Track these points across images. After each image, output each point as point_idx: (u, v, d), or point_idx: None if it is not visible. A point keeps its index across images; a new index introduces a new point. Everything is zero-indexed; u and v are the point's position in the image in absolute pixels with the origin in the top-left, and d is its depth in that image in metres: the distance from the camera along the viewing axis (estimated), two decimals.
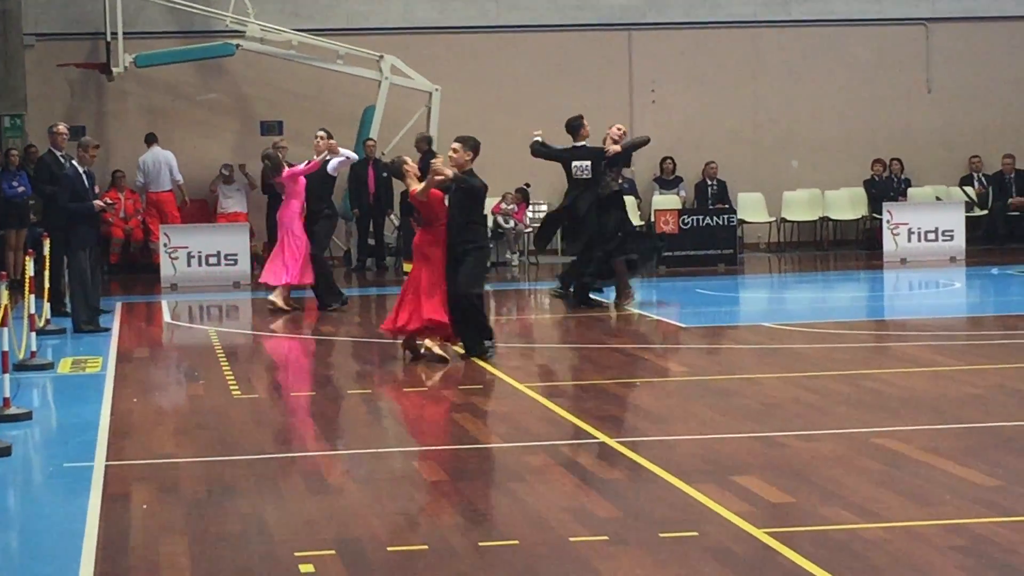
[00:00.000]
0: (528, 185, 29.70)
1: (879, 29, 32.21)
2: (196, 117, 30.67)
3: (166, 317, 23.33)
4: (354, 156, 23.84)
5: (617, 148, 22.26)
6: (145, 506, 10.70)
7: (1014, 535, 9.42)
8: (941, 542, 9.32)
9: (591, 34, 31.61)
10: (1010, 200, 31.62)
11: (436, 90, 29.32)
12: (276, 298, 22.44)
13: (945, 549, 9.16)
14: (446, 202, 17.03)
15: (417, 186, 16.93)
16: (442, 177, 16.71)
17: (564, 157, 22.44)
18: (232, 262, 27.39)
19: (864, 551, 9.18)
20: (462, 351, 17.31)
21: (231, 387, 15.95)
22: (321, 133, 23.01)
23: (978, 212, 31.37)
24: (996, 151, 31.51)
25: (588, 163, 22.13)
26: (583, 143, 22.33)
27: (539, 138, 22.75)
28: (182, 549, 9.55)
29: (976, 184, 31.72)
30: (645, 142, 23.50)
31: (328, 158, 22.54)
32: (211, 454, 12.63)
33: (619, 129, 22.73)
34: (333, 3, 30.90)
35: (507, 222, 29.63)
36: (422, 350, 17.09)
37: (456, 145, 17.01)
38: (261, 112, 30.80)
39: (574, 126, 22.57)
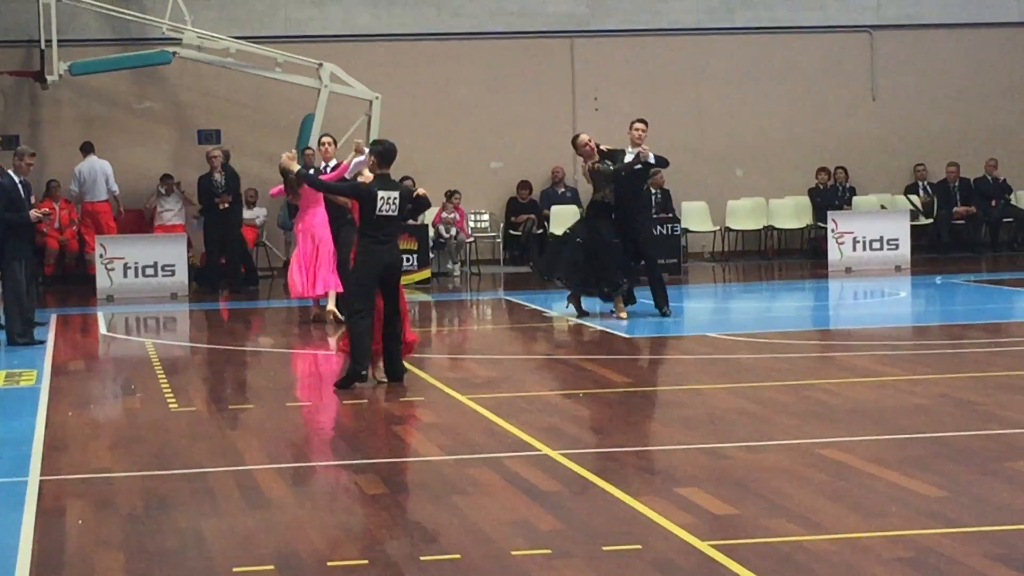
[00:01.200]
0: (457, 192, 29.72)
1: (823, 36, 32.36)
2: (133, 126, 30.55)
3: (102, 329, 23.23)
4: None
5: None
6: (80, 521, 10.65)
7: (959, 546, 9.47)
8: (886, 553, 9.36)
9: (533, 42, 31.64)
10: (955, 209, 31.82)
11: (376, 98, 29.30)
12: (332, 307, 21.78)
13: (890, 560, 9.20)
14: None
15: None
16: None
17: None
18: (169, 273, 27.30)
19: (808, 563, 9.21)
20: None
21: (168, 400, 15.90)
22: (327, 139, 23.10)
23: (923, 221, 31.54)
24: (941, 159, 31.70)
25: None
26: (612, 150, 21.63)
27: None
28: (118, 565, 9.51)
29: (921, 193, 31.91)
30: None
31: (355, 159, 20.86)
32: (148, 468, 12.59)
33: (637, 130, 21.90)
34: (271, 10, 30.84)
35: (448, 231, 29.61)
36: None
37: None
38: (199, 121, 30.70)
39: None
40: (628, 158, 21.44)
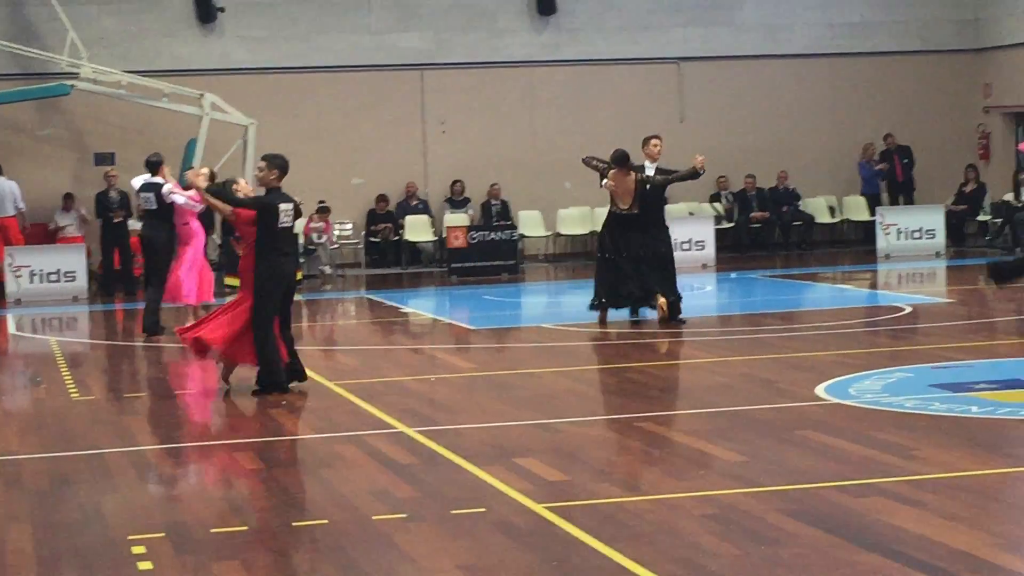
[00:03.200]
0: (324, 202, 29.64)
1: (638, 67, 32.54)
2: (36, 150, 30.12)
3: (11, 329, 22.87)
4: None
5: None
6: None
7: (757, 503, 9.57)
8: (695, 511, 9.44)
9: (388, 73, 31.56)
10: (752, 214, 32.15)
11: (252, 124, 29.08)
12: None
13: (699, 517, 9.28)
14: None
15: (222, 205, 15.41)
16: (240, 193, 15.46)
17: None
18: (71, 279, 27.02)
19: (629, 521, 9.27)
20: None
21: (70, 390, 15.69)
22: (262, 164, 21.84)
23: (725, 225, 31.81)
24: (740, 172, 31.98)
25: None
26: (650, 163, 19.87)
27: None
28: (26, 536, 9.38)
29: (723, 200, 32.19)
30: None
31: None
32: (52, 450, 12.43)
33: (655, 146, 20.22)
34: (158, 47, 30.55)
35: (319, 238, 29.49)
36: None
37: (261, 163, 15.24)
38: (95, 145, 30.33)
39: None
40: (649, 171, 19.61)
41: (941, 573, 7.83)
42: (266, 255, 14.79)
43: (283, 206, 14.84)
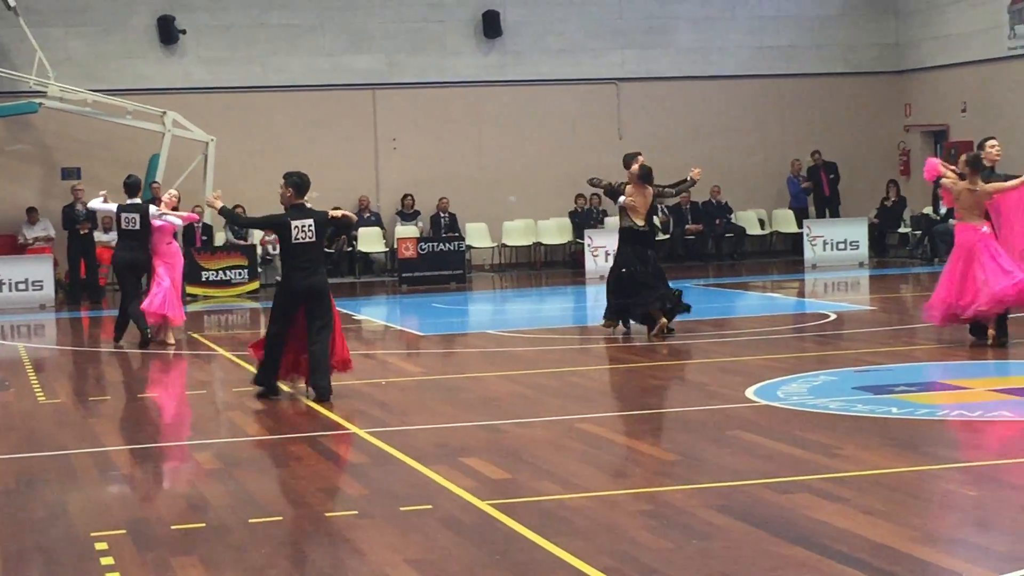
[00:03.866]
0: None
1: (579, 87, 32.62)
2: (5, 165, 29.94)
3: None
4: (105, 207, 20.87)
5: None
6: None
7: (688, 499, 9.60)
8: (630, 507, 9.45)
9: (341, 93, 31.53)
10: (687, 226, 32.26)
11: (212, 140, 28.98)
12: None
13: (633, 512, 9.29)
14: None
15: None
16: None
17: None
18: (38, 287, 26.86)
19: (569, 517, 9.27)
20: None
21: (37, 393, 15.59)
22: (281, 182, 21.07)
23: (662, 236, 31.87)
24: None
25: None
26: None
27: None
28: None
29: (660, 213, 32.22)
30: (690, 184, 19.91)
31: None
32: (20, 451, 12.33)
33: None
34: (122, 67, 30.44)
35: (275, 249, 29.38)
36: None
37: (281, 182, 14.67)
38: (62, 160, 30.18)
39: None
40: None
41: (861, 565, 7.87)
42: (284, 270, 14.86)
43: (297, 222, 14.34)
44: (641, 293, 18.65)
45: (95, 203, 20.63)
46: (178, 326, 19.95)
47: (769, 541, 8.47)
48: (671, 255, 31.74)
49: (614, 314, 19.09)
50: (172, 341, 19.52)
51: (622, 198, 18.71)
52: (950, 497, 9.73)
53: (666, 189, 19.11)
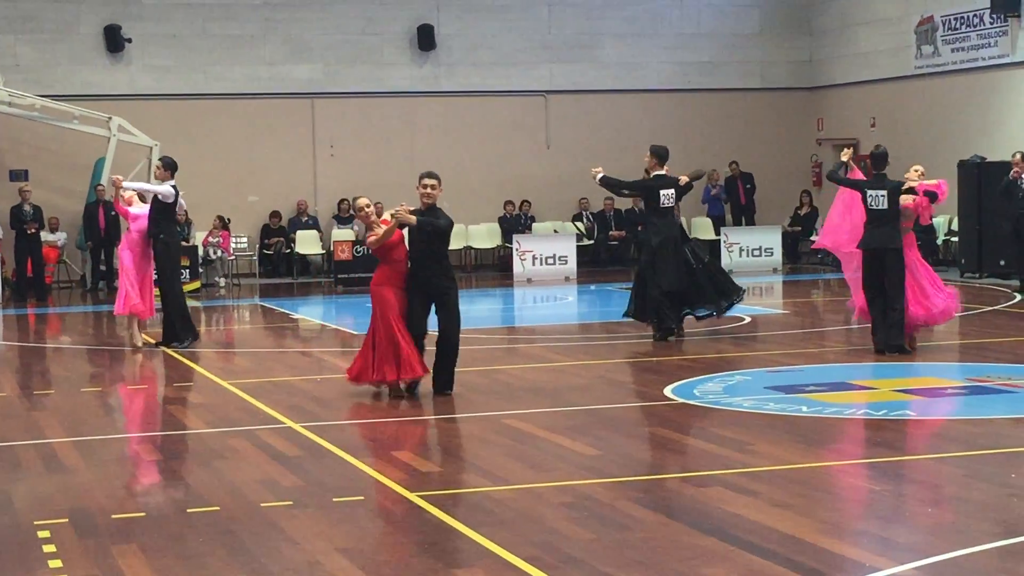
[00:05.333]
0: (224, 217, 29.40)
1: (510, 99, 32.63)
2: None
3: None
4: (147, 187, 19.15)
5: (686, 178, 18.86)
6: None
7: (609, 492, 9.63)
8: (554, 499, 9.47)
9: (281, 101, 31.41)
10: (610, 232, 32.33)
11: (155, 145, 28.75)
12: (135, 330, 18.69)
13: (557, 504, 9.31)
14: (406, 242, 14.21)
15: (373, 234, 14.06)
16: (406, 222, 13.91)
17: (648, 186, 18.84)
18: None
19: (494, 508, 9.28)
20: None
21: None
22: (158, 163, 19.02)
23: (586, 242, 31.97)
24: (600, 194, 32.04)
25: (673, 191, 18.40)
26: (661, 173, 18.71)
27: (602, 173, 19.17)
28: None
29: (584, 220, 32.35)
30: (701, 175, 20.01)
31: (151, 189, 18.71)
32: None
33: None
34: (70, 73, 30.19)
35: (215, 252, 29.25)
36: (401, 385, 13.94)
37: (433, 182, 14.29)
38: (10, 162, 29.89)
39: (661, 155, 18.96)
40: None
41: (771, 555, 7.92)
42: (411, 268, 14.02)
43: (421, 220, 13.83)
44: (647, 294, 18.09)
45: (159, 188, 18.55)
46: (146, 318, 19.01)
47: (684, 532, 8.50)
48: (594, 259, 31.82)
49: (640, 314, 18.27)
50: (140, 339, 18.71)
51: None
52: (856, 491, 9.81)
53: (623, 190, 18.61)
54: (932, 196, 16.14)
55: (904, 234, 16.20)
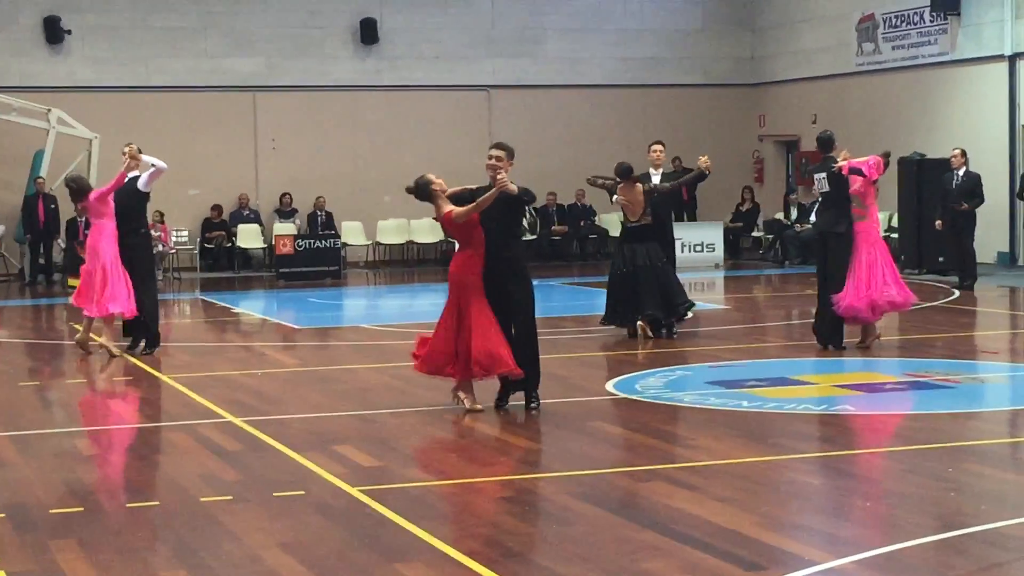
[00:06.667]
0: (162, 213, 29.24)
1: (453, 93, 32.64)
2: None
3: None
4: (163, 165, 17.50)
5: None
6: None
7: (549, 486, 9.66)
8: (495, 494, 9.49)
9: (223, 94, 31.28)
10: (553, 227, 32.40)
11: (95, 138, 28.61)
12: (107, 342, 16.86)
13: (497, 499, 9.33)
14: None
15: (452, 208, 12.99)
16: (507, 191, 12.49)
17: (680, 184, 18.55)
18: None
19: (435, 502, 9.29)
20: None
21: None
22: (131, 146, 17.33)
23: (529, 237, 31.99)
24: (542, 189, 32.15)
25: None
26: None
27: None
28: None
29: (527, 215, 32.36)
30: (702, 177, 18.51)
31: (136, 174, 17.04)
32: None
33: (657, 152, 18.62)
34: (7, 64, 29.97)
35: (164, 245, 29.13)
36: (458, 403, 12.72)
37: (500, 153, 12.93)
38: None
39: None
40: (655, 180, 18.00)
41: (711, 549, 7.96)
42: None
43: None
44: (639, 297, 17.65)
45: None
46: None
47: (625, 526, 8.53)
48: (537, 254, 31.87)
49: (615, 318, 17.99)
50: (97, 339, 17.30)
51: (615, 196, 17.72)
52: (795, 486, 9.87)
53: (664, 185, 17.84)
54: (858, 172, 16.10)
55: (857, 221, 16.17)
